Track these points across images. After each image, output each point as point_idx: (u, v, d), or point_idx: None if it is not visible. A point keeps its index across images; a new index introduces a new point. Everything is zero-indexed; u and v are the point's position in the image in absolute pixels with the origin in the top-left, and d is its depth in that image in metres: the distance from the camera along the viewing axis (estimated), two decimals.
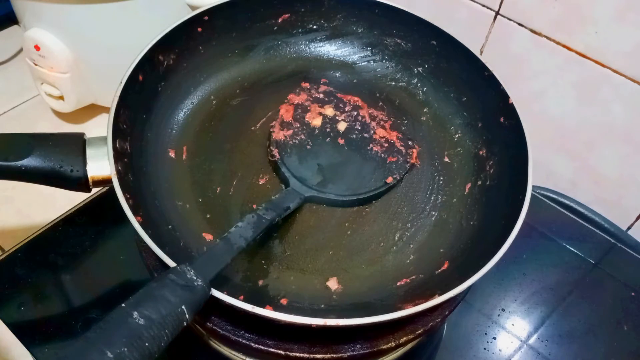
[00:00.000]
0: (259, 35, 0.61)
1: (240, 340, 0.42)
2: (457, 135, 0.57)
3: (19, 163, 0.43)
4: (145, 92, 0.52)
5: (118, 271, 0.58)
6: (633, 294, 0.61)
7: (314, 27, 0.62)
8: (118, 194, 0.42)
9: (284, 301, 0.44)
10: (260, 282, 0.46)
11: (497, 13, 0.68)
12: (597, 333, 0.58)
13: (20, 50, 0.87)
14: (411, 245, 0.50)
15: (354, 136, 0.56)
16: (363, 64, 0.63)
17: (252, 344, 0.42)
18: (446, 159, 0.56)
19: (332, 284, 0.46)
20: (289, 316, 0.37)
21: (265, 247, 0.48)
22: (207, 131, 0.56)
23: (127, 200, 0.41)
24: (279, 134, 0.55)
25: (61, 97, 0.72)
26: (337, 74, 0.62)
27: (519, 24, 0.67)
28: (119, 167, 0.44)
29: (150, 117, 0.52)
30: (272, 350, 0.42)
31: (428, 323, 0.45)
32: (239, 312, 0.38)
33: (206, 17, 0.56)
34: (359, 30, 0.62)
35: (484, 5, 0.69)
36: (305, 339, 0.43)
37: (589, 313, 0.60)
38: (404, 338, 0.44)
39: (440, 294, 0.40)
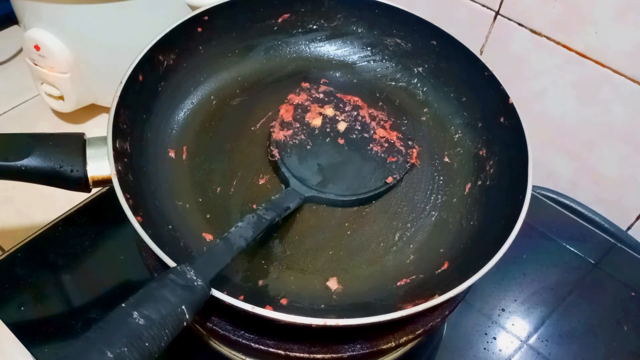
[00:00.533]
0: (259, 35, 0.61)
1: (240, 340, 0.42)
2: (457, 135, 0.57)
3: (19, 163, 0.43)
4: (145, 92, 0.52)
5: (118, 271, 0.58)
6: (633, 294, 0.61)
7: (314, 27, 0.62)
8: (118, 194, 0.42)
9: (284, 301, 0.44)
10: (260, 282, 0.46)
11: (497, 13, 0.68)
12: (597, 333, 0.58)
13: (20, 50, 0.87)
14: (411, 245, 0.50)
15: (354, 136, 0.56)
16: (363, 64, 0.63)
17: (252, 344, 0.42)
18: (446, 159, 0.56)
19: (332, 284, 0.46)
20: (289, 316, 0.37)
21: (265, 247, 0.48)
22: (207, 131, 0.56)
23: (127, 200, 0.41)
24: (279, 134, 0.55)
25: (61, 97, 0.72)
26: (337, 74, 0.62)
27: (519, 24, 0.67)
28: (119, 167, 0.44)
29: (150, 117, 0.52)
30: (272, 350, 0.42)
31: (428, 323, 0.45)
32: (239, 312, 0.38)
33: (206, 17, 0.56)
34: (359, 30, 0.62)
35: (484, 5, 0.69)
36: (305, 339, 0.43)
37: (589, 313, 0.60)
38: (404, 338, 0.44)
39: (440, 294, 0.40)
